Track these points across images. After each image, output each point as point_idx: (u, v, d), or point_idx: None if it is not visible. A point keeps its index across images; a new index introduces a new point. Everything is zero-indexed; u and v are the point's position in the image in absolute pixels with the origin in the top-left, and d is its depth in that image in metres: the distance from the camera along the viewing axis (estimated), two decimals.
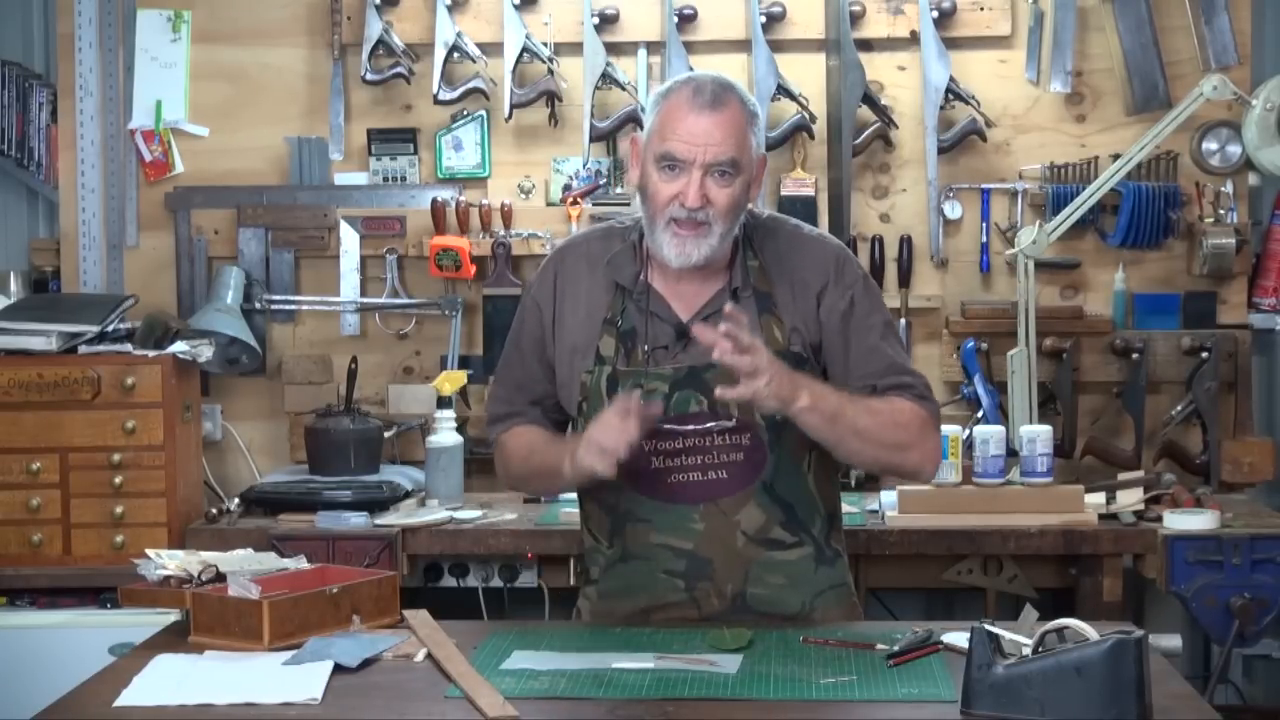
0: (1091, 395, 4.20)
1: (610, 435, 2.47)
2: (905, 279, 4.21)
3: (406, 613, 2.58)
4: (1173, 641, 3.71)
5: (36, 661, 3.51)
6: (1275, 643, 4.18)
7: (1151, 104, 4.16)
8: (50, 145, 4.38)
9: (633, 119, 4.18)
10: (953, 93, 4.16)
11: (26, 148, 4.39)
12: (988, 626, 2.13)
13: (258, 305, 4.27)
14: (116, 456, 3.73)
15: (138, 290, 4.23)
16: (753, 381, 2.41)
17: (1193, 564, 3.54)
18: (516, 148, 4.31)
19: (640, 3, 4.23)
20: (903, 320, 4.19)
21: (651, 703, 2.16)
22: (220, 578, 2.56)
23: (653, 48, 4.25)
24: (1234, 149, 4.16)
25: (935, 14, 4.15)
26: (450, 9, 4.20)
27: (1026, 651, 2.11)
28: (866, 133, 4.18)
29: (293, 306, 4.32)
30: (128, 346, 3.81)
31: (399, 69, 4.24)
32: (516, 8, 4.19)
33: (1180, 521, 3.61)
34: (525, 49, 4.18)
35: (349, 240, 4.28)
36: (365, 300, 4.30)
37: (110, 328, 3.86)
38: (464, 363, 4.21)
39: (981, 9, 4.20)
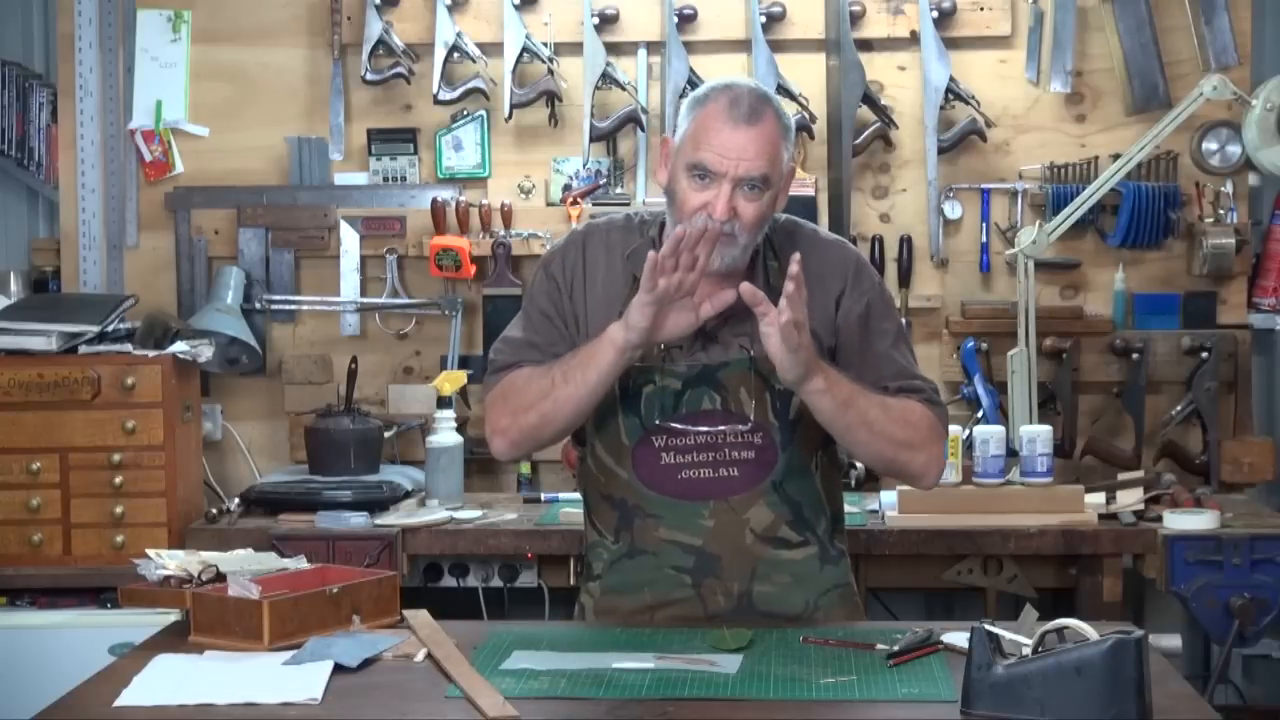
0: (1091, 395, 4.21)
1: (681, 311, 2.47)
2: (905, 279, 4.21)
3: (406, 613, 2.58)
4: (1173, 641, 3.71)
5: (36, 661, 3.51)
6: (1275, 643, 4.18)
7: (1151, 104, 4.16)
8: (50, 145, 4.38)
9: (633, 119, 4.18)
10: (953, 93, 4.16)
11: (26, 148, 4.40)
12: (988, 626, 2.12)
13: (258, 305, 4.27)
14: (116, 456, 3.73)
15: (138, 290, 4.24)
16: (792, 337, 2.39)
17: (1193, 564, 3.54)
18: (516, 148, 4.31)
19: (640, 3, 4.23)
20: (903, 320, 4.18)
21: (651, 703, 2.16)
22: (220, 578, 2.56)
23: (653, 48, 4.25)
24: (1234, 149, 4.16)
25: (935, 14, 4.15)
26: (450, 9, 4.21)
27: (1026, 651, 2.11)
28: (866, 133, 4.18)
29: (293, 306, 4.32)
30: (128, 346, 3.81)
31: (399, 69, 4.24)
32: (516, 8, 4.19)
33: (1180, 521, 3.61)
34: (525, 49, 4.18)
35: (349, 240, 4.28)
36: (365, 300, 4.30)
37: (110, 328, 3.87)
38: (464, 363, 4.21)
39: (981, 9, 4.20)
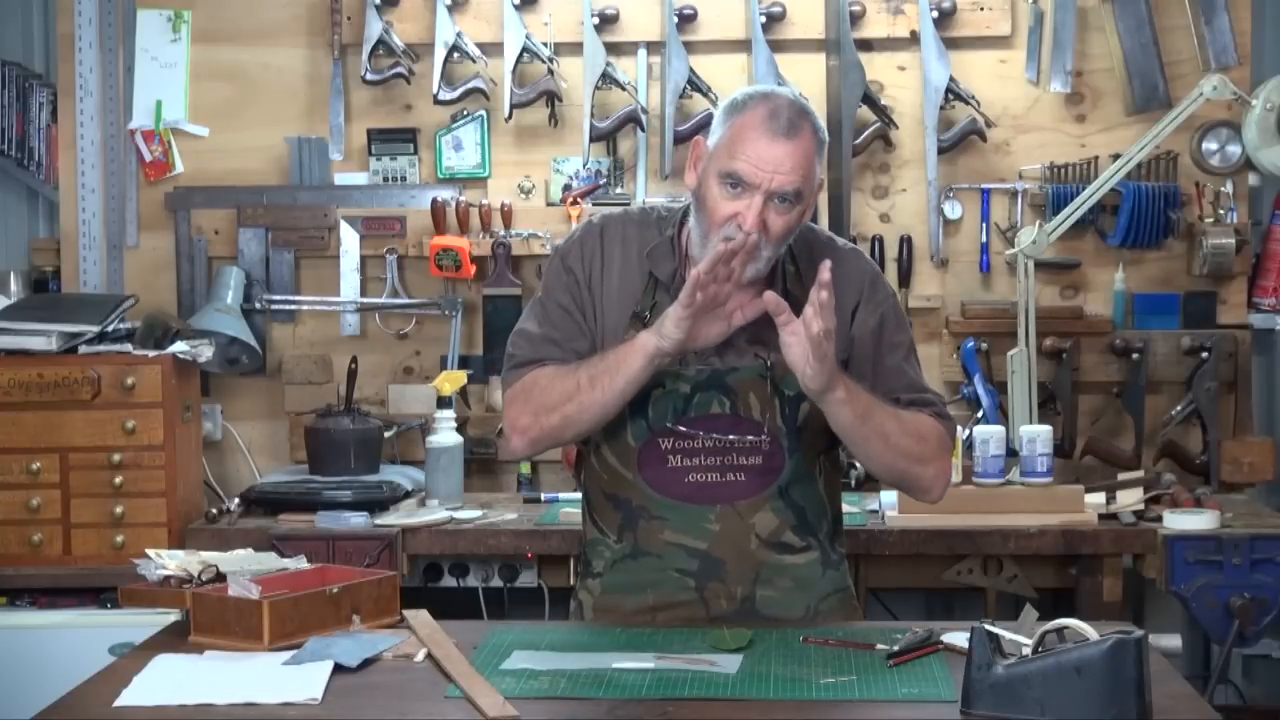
0: (1091, 395, 4.21)
1: (714, 320, 2.48)
2: (905, 279, 4.21)
3: (406, 613, 2.58)
4: (1173, 641, 3.71)
5: (36, 661, 3.51)
6: (1275, 643, 4.18)
7: (1151, 104, 4.16)
8: (50, 145, 4.38)
9: (633, 119, 4.18)
10: (953, 93, 4.16)
11: (26, 148, 4.40)
12: (988, 626, 2.12)
13: (258, 305, 4.27)
14: (116, 456, 3.73)
15: (138, 290, 4.24)
16: (820, 346, 2.38)
17: (1193, 564, 3.54)
18: (516, 148, 4.31)
19: (640, 3, 4.23)
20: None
21: (651, 703, 2.16)
22: (220, 578, 2.56)
23: (653, 48, 4.25)
24: (1234, 149, 4.16)
25: (935, 14, 4.15)
26: (450, 9, 4.20)
27: (1026, 651, 2.11)
28: (866, 133, 4.18)
29: (293, 306, 4.32)
30: (128, 346, 3.81)
31: (399, 69, 4.24)
32: (516, 8, 4.19)
33: (1180, 521, 3.61)
34: (525, 49, 4.18)
35: (349, 240, 4.28)
36: (365, 300, 4.30)
37: (110, 328, 3.86)
38: (464, 363, 4.21)
39: (981, 9, 4.20)
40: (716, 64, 4.22)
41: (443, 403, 3.99)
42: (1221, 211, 4.16)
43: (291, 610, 2.44)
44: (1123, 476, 3.89)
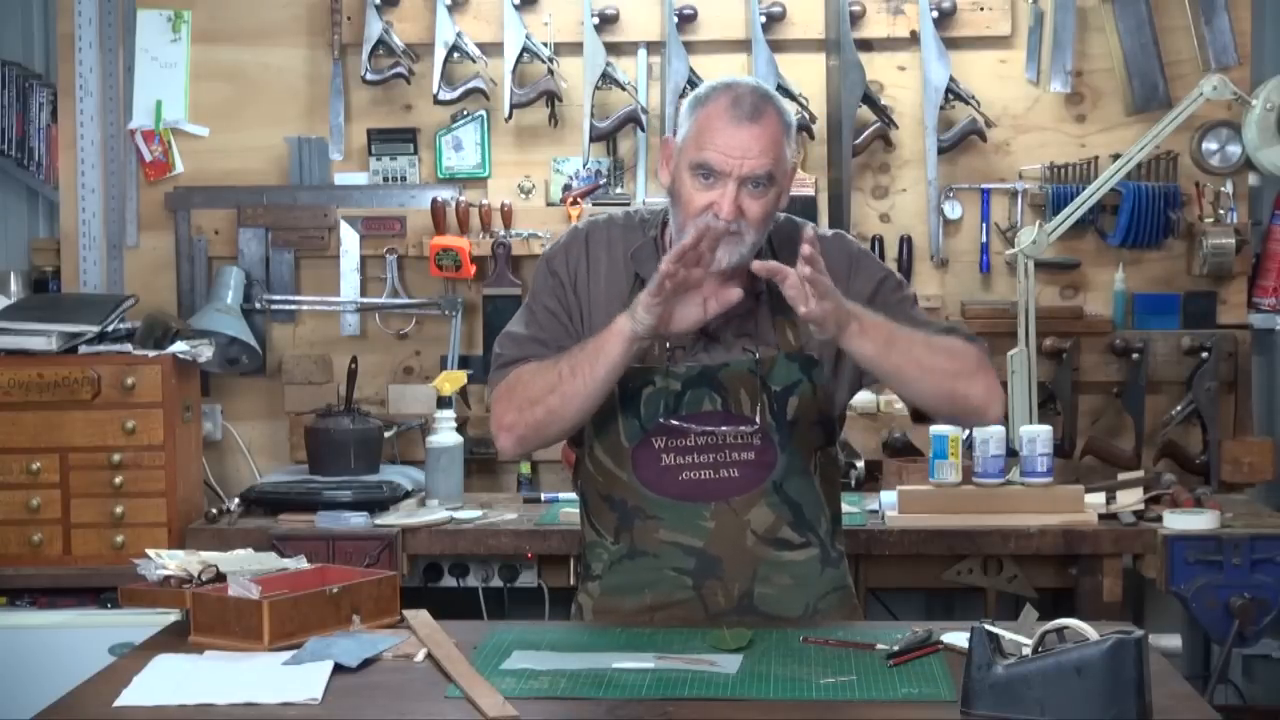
0: (1091, 395, 4.21)
1: (689, 305, 2.47)
2: (905, 279, 4.20)
3: (406, 613, 2.58)
4: (1173, 641, 3.71)
5: (36, 661, 3.51)
6: (1275, 643, 4.18)
7: (1151, 104, 4.16)
8: (50, 145, 4.38)
9: (633, 119, 4.18)
10: (953, 93, 4.16)
11: (26, 148, 4.40)
12: (988, 626, 2.12)
13: (258, 305, 4.27)
14: (116, 456, 3.73)
15: (138, 290, 4.24)
16: (819, 302, 2.38)
17: (1192, 564, 3.54)
18: (516, 148, 4.31)
19: (640, 3, 4.23)
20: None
21: (651, 703, 2.16)
22: (220, 578, 2.56)
23: (653, 48, 4.25)
24: (1234, 149, 4.17)
25: (935, 14, 4.15)
26: (450, 9, 4.21)
27: (1026, 651, 2.11)
28: (866, 133, 4.18)
29: (293, 306, 4.32)
30: (128, 346, 3.81)
31: (399, 69, 4.25)
32: (516, 8, 4.19)
33: (1180, 521, 3.61)
34: (525, 49, 4.18)
35: (349, 240, 4.28)
36: (365, 300, 4.30)
37: (110, 328, 3.86)
38: (464, 363, 4.21)
39: (981, 9, 4.21)
40: (716, 64, 4.22)
41: (443, 403, 3.99)
42: (1221, 211, 4.16)
43: (291, 610, 2.44)
44: (1123, 476, 3.89)
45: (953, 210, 4.23)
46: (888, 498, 3.76)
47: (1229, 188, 4.18)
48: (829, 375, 2.65)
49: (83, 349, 3.79)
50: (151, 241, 4.37)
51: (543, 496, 4.02)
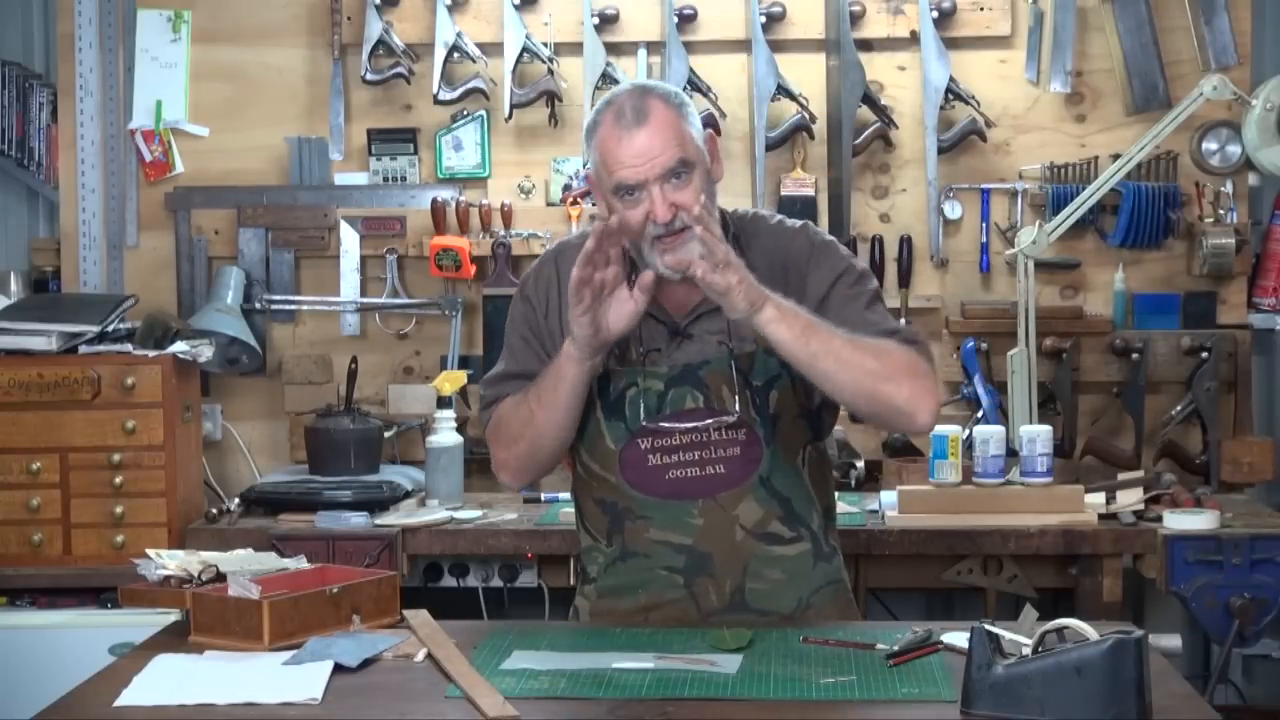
0: (1091, 395, 4.21)
1: (619, 303, 2.47)
2: (905, 279, 4.21)
3: (406, 613, 2.58)
4: (1173, 641, 3.71)
5: (37, 661, 3.51)
6: (1275, 643, 4.18)
7: (1151, 104, 4.16)
8: (50, 145, 4.38)
9: None
10: (953, 93, 4.16)
11: (26, 148, 4.40)
12: (988, 626, 2.12)
13: (258, 305, 4.27)
14: (116, 456, 3.73)
15: (138, 290, 4.24)
16: (714, 271, 2.39)
17: (1192, 564, 3.54)
18: (516, 148, 4.31)
19: (640, 3, 4.23)
20: (903, 320, 4.19)
21: (651, 703, 2.16)
22: (220, 578, 2.56)
23: (653, 48, 4.25)
24: (1234, 149, 4.16)
25: (935, 14, 4.15)
26: (450, 9, 4.21)
27: (1026, 651, 2.11)
28: (866, 133, 4.18)
29: (293, 306, 4.32)
30: (128, 346, 3.81)
31: (399, 69, 4.25)
32: (516, 8, 4.19)
33: (1180, 521, 3.61)
34: (525, 49, 4.18)
35: (349, 240, 4.28)
36: (365, 300, 4.30)
37: (110, 328, 3.87)
38: (464, 363, 4.21)
39: (981, 9, 4.20)
40: (716, 64, 4.22)
41: (443, 403, 3.99)
42: (1221, 211, 4.16)
43: (291, 610, 2.44)
44: (1123, 476, 3.89)
45: (953, 210, 4.23)
46: (888, 498, 3.76)
47: (1229, 188, 4.18)
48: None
49: (83, 349, 3.79)
50: (151, 241, 4.36)
51: (543, 496, 4.01)
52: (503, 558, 3.77)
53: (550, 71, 4.21)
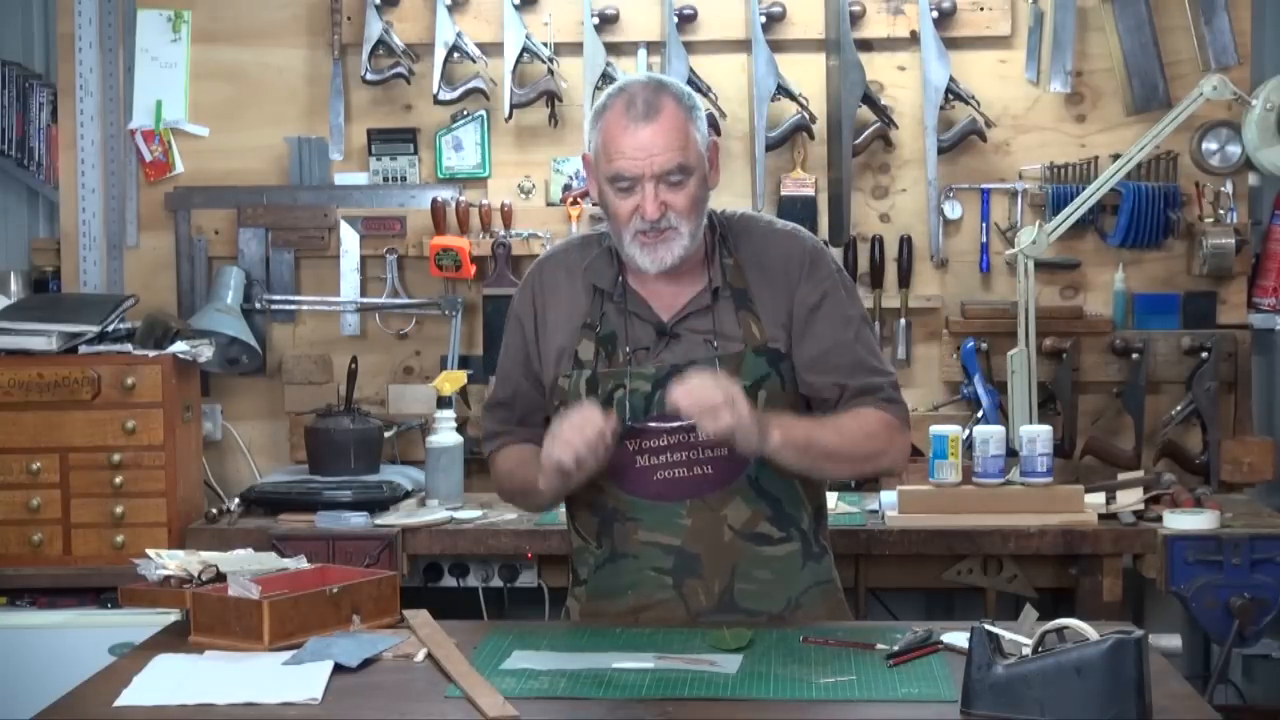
0: (1091, 395, 4.20)
1: (581, 437, 2.46)
2: (905, 279, 4.21)
3: (406, 613, 2.58)
4: (1173, 641, 3.71)
5: (37, 661, 3.51)
6: (1275, 643, 4.18)
7: (1151, 104, 4.16)
8: (50, 145, 4.38)
9: None
10: (953, 93, 4.16)
11: (26, 148, 4.40)
12: (988, 626, 2.13)
13: (258, 305, 4.27)
14: (116, 456, 3.73)
15: (138, 290, 4.24)
16: (713, 423, 2.42)
17: (1192, 564, 3.54)
18: (516, 148, 4.31)
19: (640, 3, 4.23)
20: (902, 320, 4.20)
21: (651, 703, 2.16)
22: (220, 578, 2.57)
23: (653, 48, 4.25)
24: (1234, 149, 4.16)
25: (935, 14, 4.15)
26: (450, 9, 4.21)
27: (1026, 651, 2.11)
28: (866, 133, 4.18)
29: (293, 306, 4.32)
30: (128, 346, 3.81)
31: (399, 69, 4.24)
32: (516, 8, 4.19)
33: (1180, 521, 3.61)
34: (525, 49, 4.18)
35: (349, 240, 4.28)
36: (365, 300, 4.30)
37: (110, 328, 3.87)
38: (464, 363, 4.21)
39: (981, 9, 4.20)
40: (716, 64, 4.22)
41: (443, 403, 3.99)
42: (1221, 211, 4.16)
43: (291, 610, 2.44)
44: (1123, 476, 3.89)
45: (953, 210, 4.23)
46: (888, 498, 3.76)
47: (1229, 188, 4.18)
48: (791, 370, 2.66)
49: (83, 349, 3.79)
50: (151, 241, 4.36)
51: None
52: (503, 558, 3.77)
53: (550, 71, 4.21)
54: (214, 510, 3.81)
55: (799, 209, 4.14)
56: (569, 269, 2.72)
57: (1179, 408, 4.12)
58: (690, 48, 4.19)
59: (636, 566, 2.65)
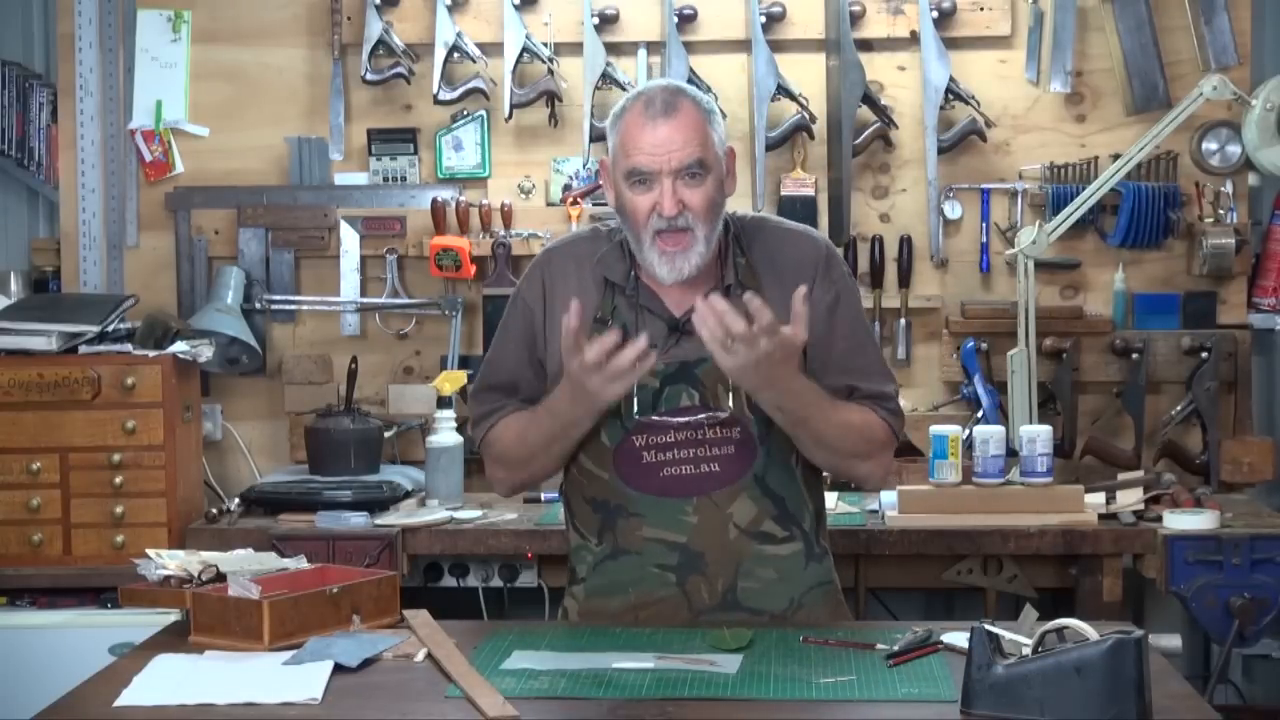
0: (1091, 395, 4.21)
1: (626, 364, 2.44)
2: (905, 279, 4.21)
3: (406, 613, 2.58)
4: (1173, 641, 3.71)
5: (37, 661, 3.51)
6: (1275, 643, 4.18)
7: (1151, 104, 4.16)
8: (50, 145, 4.38)
9: None
10: (953, 93, 4.16)
11: (26, 148, 4.40)
12: (988, 626, 2.13)
13: (258, 305, 4.27)
14: (116, 456, 3.73)
15: (138, 290, 4.24)
16: (731, 356, 2.40)
17: (1192, 564, 3.54)
18: (516, 148, 4.31)
19: (640, 3, 4.23)
20: (902, 320, 4.20)
21: (651, 703, 2.16)
22: (220, 578, 2.57)
23: (653, 48, 4.25)
24: (1234, 149, 4.16)
25: (935, 14, 4.15)
26: (450, 9, 4.21)
27: (1026, 651, 2.11)
28: (866, 133, 4.18)
29: (293, 306, 4.32)
30: (128, 346, 3.81)
31: (399, 69, 4.25)
32: (516, 8, 4.19)
33: (1180, 521, 3.61)
34: (525, 49, 4.18)
35: (349, 240, 4.28)
36: (365, 300, 4.30)
37: (110, 328, 3.87)
38: (464, 363, 4.21)
39: (981, 9, 4.20)
40: (716, 64, 4.22)
41: (443, 403, 3.99)
42: (1221, 211, 4.16)
43: (291, 610, 2.44)
44: (1123, 476, 3.89)
45: (953, 210, 4.23)
46: (888, 498, 3.76)
47: (1229, 188, 4.18)
48: (804, 368, 2.66)
49: (83, 349, 3.79)
50: (151, 241, 4.37)
51: (543, 496, 4.01)
52: (503, 558, 3.78)
53: (550, 71, 4.21)
54: (214, 510, 3.81)
55: (799, 209, 4.14)
56: (578, 260, 2.72)
57: (1179, 408, 4.12)
58: (690, 48, 4.19)
59: (639, 563, 2.65)
